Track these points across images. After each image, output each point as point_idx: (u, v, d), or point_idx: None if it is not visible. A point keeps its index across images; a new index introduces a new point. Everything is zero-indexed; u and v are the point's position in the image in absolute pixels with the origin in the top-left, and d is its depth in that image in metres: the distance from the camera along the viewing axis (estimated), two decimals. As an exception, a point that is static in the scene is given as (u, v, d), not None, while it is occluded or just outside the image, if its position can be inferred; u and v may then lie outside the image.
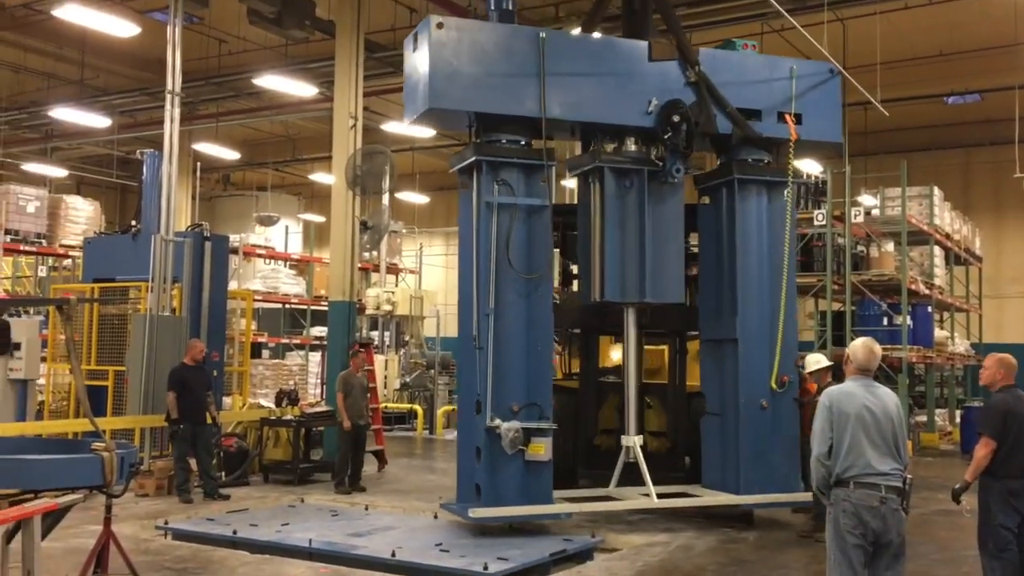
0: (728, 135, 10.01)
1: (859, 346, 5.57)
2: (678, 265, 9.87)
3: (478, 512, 8.94)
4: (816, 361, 9.67)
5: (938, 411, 20.36)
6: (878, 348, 5.62)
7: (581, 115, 9.61)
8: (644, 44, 9.83)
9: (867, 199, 19.11)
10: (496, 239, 9.17)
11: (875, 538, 5.18)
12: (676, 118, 9.42)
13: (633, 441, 9.75)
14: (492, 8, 9.69)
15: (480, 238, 9.23)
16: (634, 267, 9.60)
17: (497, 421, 8.96)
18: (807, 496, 9.38)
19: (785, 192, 10.21)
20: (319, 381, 22.30)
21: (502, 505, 8.99)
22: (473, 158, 9.33)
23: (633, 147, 9.78)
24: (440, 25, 9.09)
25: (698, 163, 11.44)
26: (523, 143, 9.47)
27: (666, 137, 9.46)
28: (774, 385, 9.90)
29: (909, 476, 5.31)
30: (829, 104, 10.49)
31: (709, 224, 10.60)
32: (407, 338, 22.45)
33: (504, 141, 9.42)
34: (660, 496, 9.67)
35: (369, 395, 13.01)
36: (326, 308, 16.63)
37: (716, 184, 10.47)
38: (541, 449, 9.04)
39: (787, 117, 10.05)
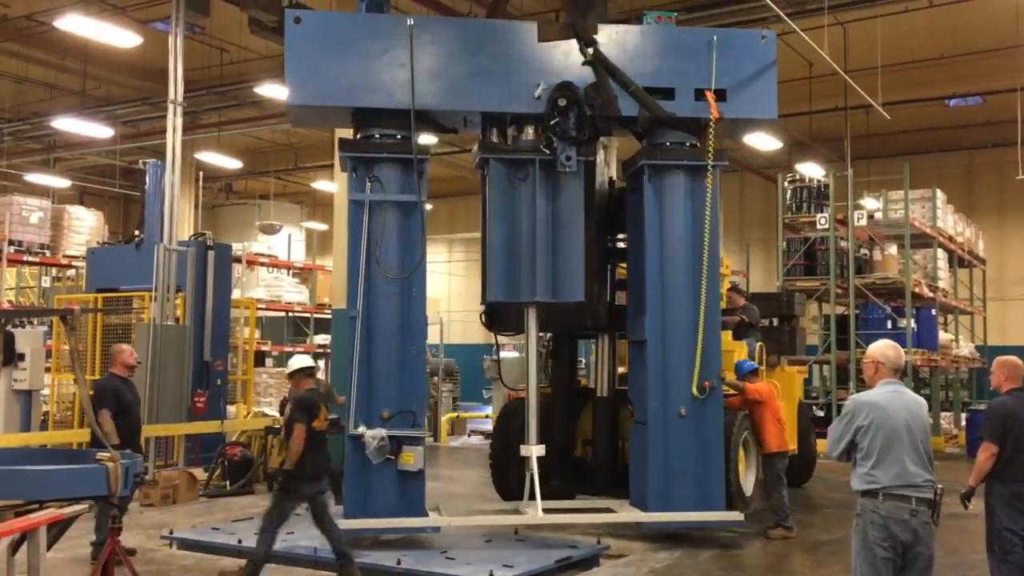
0: (636, 117, 9.21)
1: (887, 346, 5.37)
2: (577, 260, 9.18)
3: (342, 524, 8.50)
4: (294, 363, 7.91)
5: (943, 414, 20.34)
6: (899, 347, 5.49)
7: (460, 104, 9.06)
8: (533, 25, 9.14)
9: (870, 202, 19.12)
10: (368, 238, 8.83)
11: (904, 550, 5.01)
12: (562, 102, 8.76)
13: (532, 451, 9.12)
14: None
15: (349, 237, 8.95)
16: (529, 264, 9.01)
17: (362, 428, 8.66)
18: (730, 516, 9.05)
19: (707, 177, 9.20)
20: (323, 389, 22.27)
21: (371, 516, 8.66)
22: (340, 155, 9.18)
23: (532, 136, 9.15)
24: (298, 20, 8.91)
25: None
26: (400, 137, 8.98)
27: (553, 123, 8.80)
28: (695, 391, 9.03)
29: (940, 487, 5.12)
30: (762, 77, 9.28)
31: (632, 215, 9.87)
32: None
33: (378, 136, 9.04)
34: (552, 511, 9.23)
35: None
36: (329, 316, 16.64)
37: (634, 172, 9.70)
38: (411, 458, 8.67)
39: (707, 94, 9.02)
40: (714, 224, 9.21)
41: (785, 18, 12.78)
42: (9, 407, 11.84)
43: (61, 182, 29.29)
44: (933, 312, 19.22)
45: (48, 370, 13.66)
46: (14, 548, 5.25)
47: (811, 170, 21.09)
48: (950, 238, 20.31)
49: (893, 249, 18.44)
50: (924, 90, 21.37)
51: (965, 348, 21.81)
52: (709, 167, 9.15)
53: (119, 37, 16.55)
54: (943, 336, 20.07)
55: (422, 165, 8.98)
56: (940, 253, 19.80)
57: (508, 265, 9.04)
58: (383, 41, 8.87)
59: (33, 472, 5.77)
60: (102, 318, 13.35)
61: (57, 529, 5.74)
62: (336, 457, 13.27)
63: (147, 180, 14.23)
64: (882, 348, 5.37)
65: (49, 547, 5.56)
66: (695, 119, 9.18)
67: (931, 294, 18.98)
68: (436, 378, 20.77)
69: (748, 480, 10.70)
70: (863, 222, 18.00)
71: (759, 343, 12.01)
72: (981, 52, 20.32)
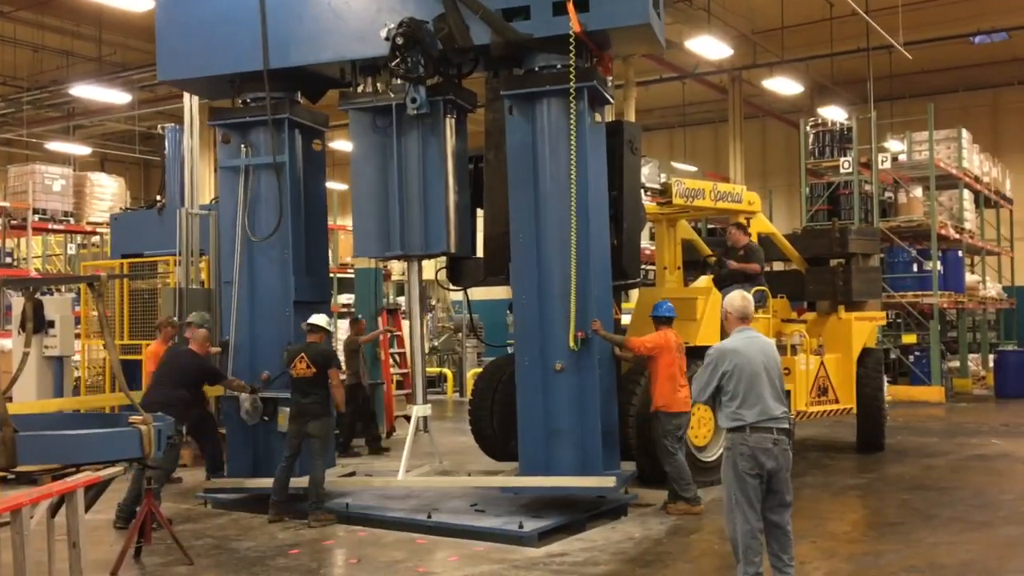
0: (488, 45, 8.25)
1: (735, 296, 6.03)
2: (440, 210, 8.60)
3: (215, 483, 9.08)
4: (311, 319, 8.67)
5: (971, 356, 20.24)
6: (749, 296, 6.12)
7: (315, 57, 8.78)
8: None
9: (894, 144, 18.88)
10: (241, 203, 8.97)
11: (769, 476, 5.63)
12: (400, 40, 8.09)
13: (416, 411, 8.87)
14: None
15: (221, 205, 9.10)
16: (396, 216, 8.63)
17: None
18: (598, 482, 8.01)
19: (571, 99, 8.00)
20: (349, 348, 22.46)
21: (253, 476, 8.89)
22: (209, 124, 9.35)
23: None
24: None
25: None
26: (275, 99, 8.89)
27: (394, 64, 8.18)
28: (572, 344, 8.07)
29: (793, 416, 5.57)
30: None
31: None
32: (434, 303, 22.55)
33: (250, 101, 9.09)
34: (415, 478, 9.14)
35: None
36: (352, 275, 16.71)
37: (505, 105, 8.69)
38: (283, 420, 8.75)
39: (568, 6, 7.83)
40: (580, 151, 8.05)
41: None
42: (42, 373, 12.01)
43: (82, 149, 29.43)
44: (959, 254, 19.04)
45: (78, 336, 13.83)
46: (53, 511, 5.37)
47: (834, 114, 20.81)
48: (976, 178, 20.04)
49: (918, 191, 18.24)
50: (947, 28, 20.96)
51: (992, 289, 21.63)
52: (572, 88, 7.96)
53: (132, 1, 16.50)
54: (970, 278, 19.90)
55: (279, 125, 8.98)
56: (966, 194, 19.56)
57: (376, 219, 8.75)
58: (240, 7, 8.83)
59: (69, 436, 5.87)
60: (128, 284, 13.46)
61: (94, 491, 5.87)
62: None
63: (166, 145, 14.24)
64: (730, 298, 6.02)
65: (87, 509, 5.68)
66: (554, 37, 7.96)
67: (957, 236, 18.79)
68: (460, 334, 20.85)
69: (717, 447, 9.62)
70: (887, 165, 17.80)
71: (757, 288, 10.50)
72: (1007, -14, 19.88)
